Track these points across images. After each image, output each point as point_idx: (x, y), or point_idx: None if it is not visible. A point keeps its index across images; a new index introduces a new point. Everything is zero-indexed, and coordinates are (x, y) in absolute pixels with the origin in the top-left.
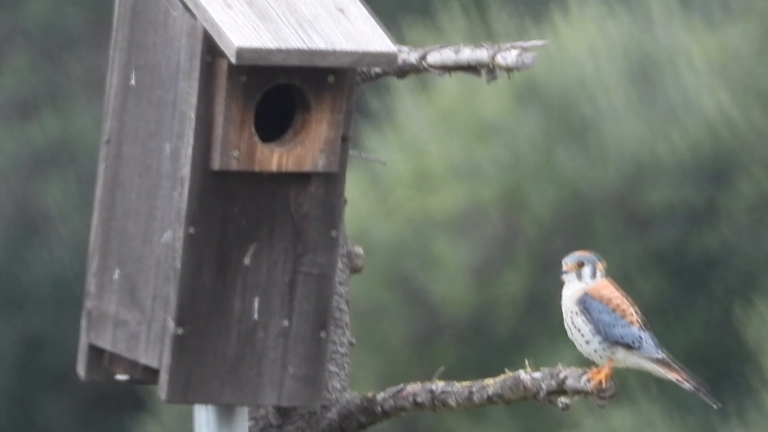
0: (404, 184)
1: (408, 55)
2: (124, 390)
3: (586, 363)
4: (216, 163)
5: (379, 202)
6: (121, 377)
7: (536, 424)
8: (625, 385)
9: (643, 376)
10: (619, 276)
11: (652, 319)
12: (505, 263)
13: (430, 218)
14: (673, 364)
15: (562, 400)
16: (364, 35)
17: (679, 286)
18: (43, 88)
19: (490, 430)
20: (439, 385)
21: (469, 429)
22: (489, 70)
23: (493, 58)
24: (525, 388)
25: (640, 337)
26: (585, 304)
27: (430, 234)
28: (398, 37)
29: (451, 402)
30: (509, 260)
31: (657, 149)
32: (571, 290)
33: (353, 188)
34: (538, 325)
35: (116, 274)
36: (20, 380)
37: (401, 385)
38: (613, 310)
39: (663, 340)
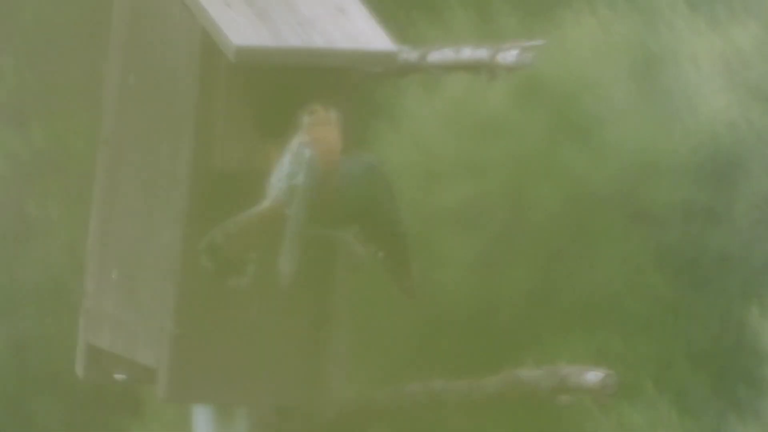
0: (407, 180)
1: (408, 54)
2: (123, 389)
3: (588, 360)
4: (215, 163)
5: None
6: (119, 376)
7: (548, 422)
8: (637, 383)
9: (659, 374)
10: (622, 274)
11: (654, 317)
12: (508, 259)
13: (433, 213)
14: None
15: (563, 397)
16: (364, 35)
17: (681, 285)
18: (32, 92)
19: (489, 430)
20: (438, 384)
21: (468, 429)
22: (489, 69)
23: (493, 57)
24: (525, 386)
25: None
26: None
27: (433, 229)
28: (401, 35)
29: (451, 401)
30: (512, 257)
31: (660, 148)
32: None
33: None
34: (541, 322)
35: (115, 274)
36: (17, 380)
37: (401, 385)
38: None
39: (665, 338)
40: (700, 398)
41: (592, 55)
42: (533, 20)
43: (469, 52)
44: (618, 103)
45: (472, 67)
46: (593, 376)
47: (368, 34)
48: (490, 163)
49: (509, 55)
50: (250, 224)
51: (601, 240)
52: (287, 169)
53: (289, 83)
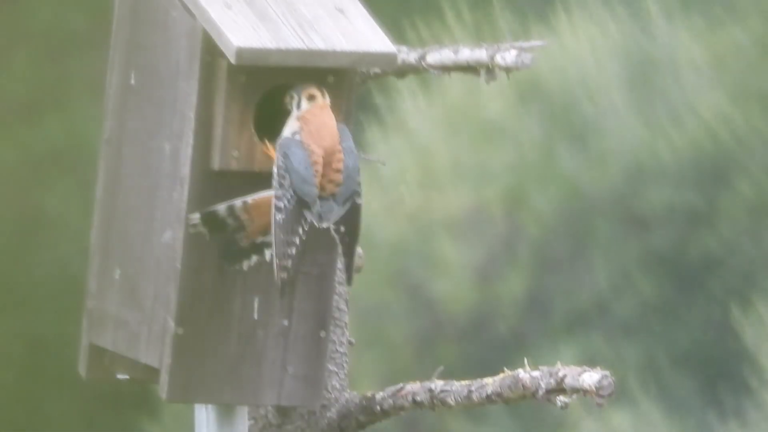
0: (407, 183)
1: (407, 55)
2: (125, 389)
3: (585, 362)
4: (216, 163)
5: (382, 201)
6: (121, 376)
7: (536, 424)
8: (625, 386)
9: (644, 376)
10: (619, 275)
11: (651, 318)
12: (507, 262)
13: (432, 217)
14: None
15: (561, 399)
16: (364, 35)
17: (678, 286)
18: (44, 89)
19: (490, 431)
20: (438, 384)
21: (469, 429)
22: (488, 70)
23: (492, 58)
24: (524, 386)
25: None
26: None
27: (432, 232)
28: (400, 36)
29: (450, 401)
30: (511, 259)
31: (657, 150)
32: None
33: None
34: (539, 325)
35: (117, 274)
36: (22, 379)
37: (400, 385)
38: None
39: (662, 339)
40: (683, 399)
41: (590, 58)
42: (532, 23)
43: (467, 53)
44: (615, 105)
45: (471, 68)
46: (589, 377)
47: (368, 35)
48: (489, 171)
49: (508, 56)
50: (260, 206)
51: (596, 246)
52: (279, 161)
53: (289, 84)
